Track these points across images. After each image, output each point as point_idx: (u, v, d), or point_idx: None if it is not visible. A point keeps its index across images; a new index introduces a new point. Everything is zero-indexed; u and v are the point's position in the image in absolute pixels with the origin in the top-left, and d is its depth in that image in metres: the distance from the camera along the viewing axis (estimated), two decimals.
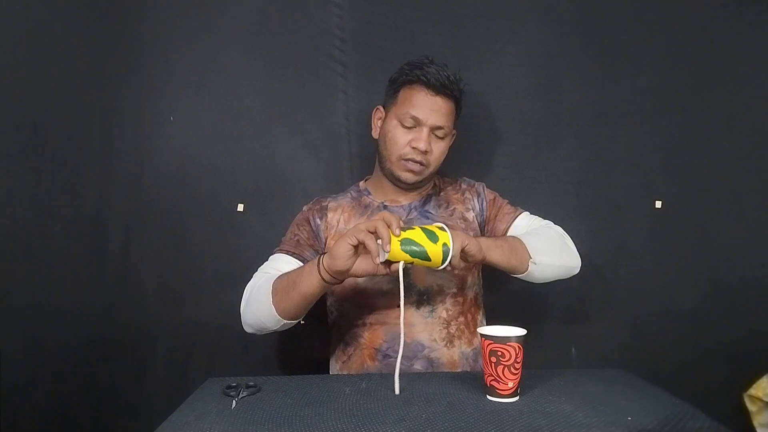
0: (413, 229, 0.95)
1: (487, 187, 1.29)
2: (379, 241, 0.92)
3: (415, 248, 0.93)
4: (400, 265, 0.93)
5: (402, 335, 0.93)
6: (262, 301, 1.06)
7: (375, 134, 1.23)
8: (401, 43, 1.41)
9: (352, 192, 1.27)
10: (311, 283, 1.00)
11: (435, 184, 1.27)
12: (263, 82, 1.41)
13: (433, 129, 1.14)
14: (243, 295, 1.13)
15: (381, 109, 1.23)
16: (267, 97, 1.41)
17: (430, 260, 0.94)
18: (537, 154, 1.45)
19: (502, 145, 1.44)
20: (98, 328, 1.31)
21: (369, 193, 1.25)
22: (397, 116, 1.15)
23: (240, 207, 1.39)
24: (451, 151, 1.22)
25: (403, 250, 0.92)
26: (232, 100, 1.40)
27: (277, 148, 1.42)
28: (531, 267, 1.09)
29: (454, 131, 1.22)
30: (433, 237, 0.94)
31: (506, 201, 1.27)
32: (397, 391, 0.91)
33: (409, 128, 1.14)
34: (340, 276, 0.99)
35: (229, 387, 0.94)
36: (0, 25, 1.23)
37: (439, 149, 1.17)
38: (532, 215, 1.25)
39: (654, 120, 1.44)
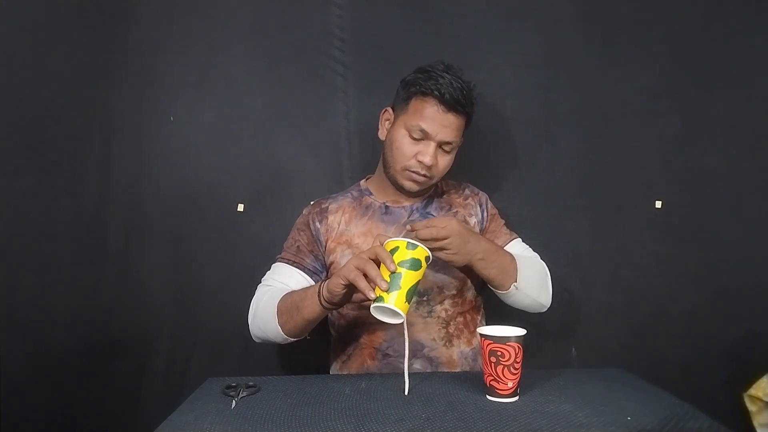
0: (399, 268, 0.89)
1: (489, 198, 1.29)
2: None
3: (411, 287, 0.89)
4: (405, 325, 0.91)
5: (406, 363, 0.94)
6: (268, 319, 1.09)
7: (381, 135, 1.21)
8: (401, 43, 1.41)
9: (353, 192, 1.27)
10: (313, 310, 1.02)
11: (438, 186, 1.27)
12: (263, 82, 1.41)
13: (441, 144, 1.13)
14: (250, 307, 1.15)
15: (390, 111, 1.20)
16: (267, 97, 1.41)
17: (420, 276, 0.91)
18: (537, 154, 1.45)
19: (502, 145, 1.44)
20: (98, 329, 1.31)
21: (371, 193, 1.25)
22: (405, 126, 1.13)
23: (240, 207, 1.39)
24: None
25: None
26: (232, 100, 1.40)
27: (277, 148, 1.41)
28: (512, 290, 1.11)
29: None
30: (417, 265, 0.89)
31: (503, 222, 1.28)
32: (406, 392, 0.92)
33: (417, 140, 1.13)
34: (338, 306, 1.01)
35: (229, 387, 0.94)
36: (0, 25, 1.23)
37: (444, 162, 1.16)
38: (524, 244, 1.26)
39: (654, 120, 1.44)
